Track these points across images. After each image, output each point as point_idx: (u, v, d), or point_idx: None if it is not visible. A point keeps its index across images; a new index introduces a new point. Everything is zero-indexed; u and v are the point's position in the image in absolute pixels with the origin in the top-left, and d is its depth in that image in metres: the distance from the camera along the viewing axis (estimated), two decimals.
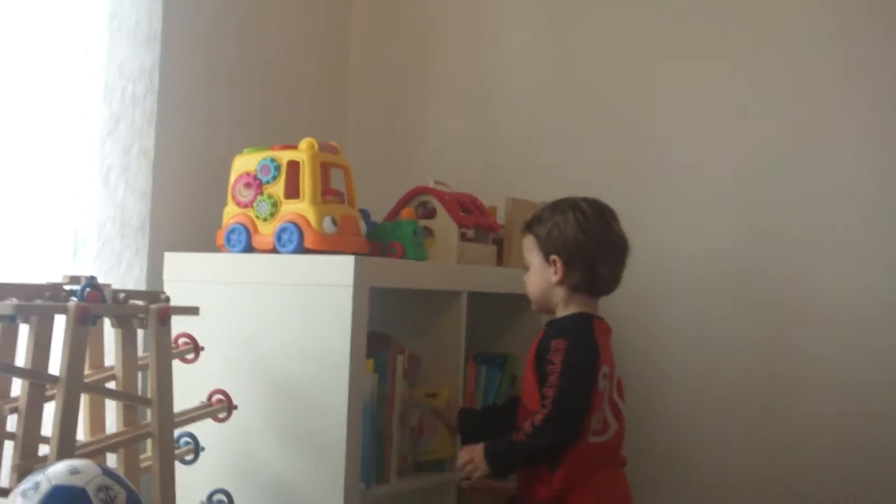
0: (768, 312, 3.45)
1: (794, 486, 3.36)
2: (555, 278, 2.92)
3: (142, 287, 3.10)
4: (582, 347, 2.83)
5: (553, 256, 2.91)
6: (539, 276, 2.95)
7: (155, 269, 3.13)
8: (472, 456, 2.82)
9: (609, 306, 3.04)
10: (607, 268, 2.92)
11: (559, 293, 2.94)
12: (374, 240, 3.13)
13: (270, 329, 2.93)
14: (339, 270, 2.84)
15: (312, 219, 2.91)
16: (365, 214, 3.13)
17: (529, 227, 2.98)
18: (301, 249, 2.92)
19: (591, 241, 2.89)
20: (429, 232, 3.29)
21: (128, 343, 2.60)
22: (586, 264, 2.90)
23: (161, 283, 3.08)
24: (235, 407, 2.83)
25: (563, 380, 2.76)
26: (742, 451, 3.46)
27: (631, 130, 3.65)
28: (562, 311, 2.95)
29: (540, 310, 3.02)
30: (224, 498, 2.83)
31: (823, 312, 3.37)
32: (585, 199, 2.95)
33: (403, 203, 3.35)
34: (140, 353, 2.69)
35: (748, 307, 3.47)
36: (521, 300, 3.39)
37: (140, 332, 2.64)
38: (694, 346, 3.52)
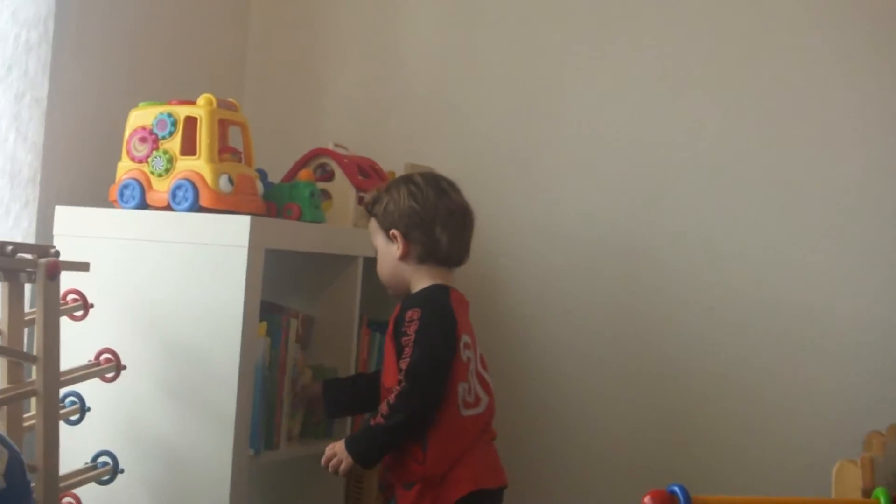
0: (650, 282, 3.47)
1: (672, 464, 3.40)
2: (398, 252, 2.89)
3: (31, 241, 3.02)
4: (436, 315, 2.81)
5: (392, 231, 2.89)
6: (385, 255, 2.93)
7: (45, 222, 3.05)
8: (334, 451, 2.78)
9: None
10: (448, 235, 2.88)
11: (408, 269, 2.91)
12: (271, 200, 3.09)
13: (162, 288, 2.88)
14: (235, 230, 2.80)
15: (208, 177, 2.86)
16: (262, 174, 3.09)
17: (369, 208, 2.96)
18: (196, 207, 2.87)
19: (425, 210, 2.87)
20: (326, 195, 3.25)
21: (14, 297, 2.54)
22: (425, 233, 2.87)
23: (51, 237, 3.01)
24: (124, 367, 2.78)
25: (417, 348, 2.74)
26: (615, 423, 3.49)
27: (533, 97, 3.64)
28: (416, 287, 2.91)
29: (395, 293, 2.96)
30: (109, 460, 2.78)
31: (697, 273, 3.42)
32: (421, 173, 2.97)
33: (301, 164, 3.31)
34: (27, 308, 2.63)
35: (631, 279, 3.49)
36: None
37: (28, 287, 2.58)
38: (575, 317, 3.54)
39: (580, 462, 3.52)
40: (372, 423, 2.76)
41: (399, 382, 2.73)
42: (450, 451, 2.77)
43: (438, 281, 2.89)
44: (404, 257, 2.88)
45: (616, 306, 3.50)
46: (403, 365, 2.73)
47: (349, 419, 3.21)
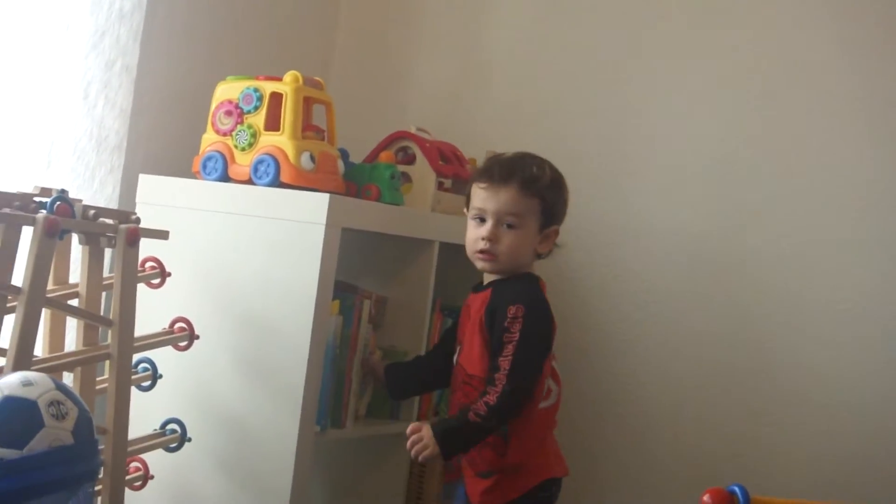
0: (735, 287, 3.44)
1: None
2: (542, 249, 2.83)
3: (113, 206, 3.06)
4: (541, 316, 2.76)
5: (554, 227, 2.83)
6: (528, 240, 2.80)
7: (128, 189, 3.09)
8: (421, 436, 2.69)
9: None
10: None
11: (530, 261, 2.85)
12: (351, 180, 3.10)
13: (239, 261, 2.90)
14: (313, 208, 2.82)
15: (291, 153, 2.88)
16: (344, 154, 3.10)
17: (531, 185, 2.79)
18: (277, 183, 2.89)
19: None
20: (406, 178, 3.26)
21: (94, 261, 2.57)
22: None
23: (133, 204, 3.05)
24: (197, 337, 2.81)
25: (520, 351, 2.68)
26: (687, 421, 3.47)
27: (620, 94, 3.61)
28: (515, 273, 2.84)
29: (497, 270, 2.84)
30: (177, 428, 2.81)
31: (791, 287, 3.37)
32: (546, 161, 2.89)
33: (383, 146, 3.32)
34: (106, 273, 2.66)
35: (716, 282, 3.46)
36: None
37: (108, 252, 2.61)
38: (656, 317, 3.52)
39: (642, 457, 3.51)
40: (469, 418, 2.66)
41: (495, 380, 2.66)
42: (528, 443, 2.76)
43: (531, 271, 2.87)
44: (541, 254, 2.85)
45: (695, 304, 3.47)
46: (505, 364, 2.67)
47: (416, 399, 3.21)
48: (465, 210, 2.91)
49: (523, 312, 2.71)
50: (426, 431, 2.68)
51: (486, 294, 2.82)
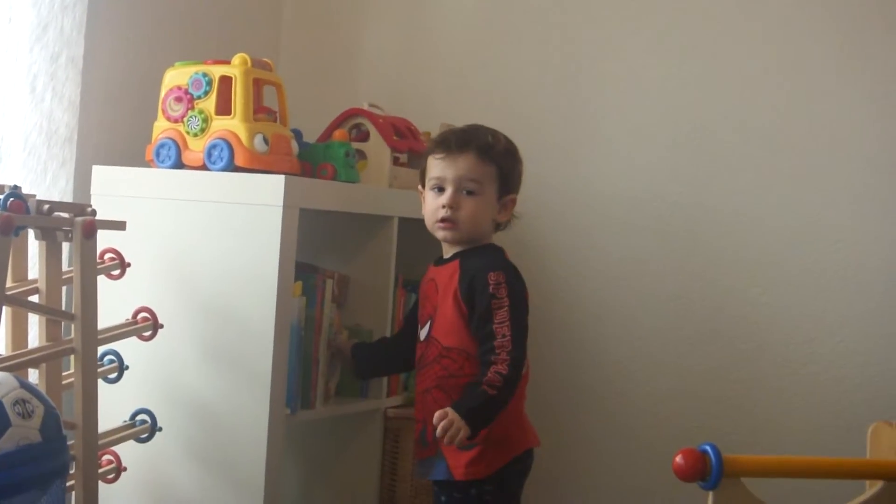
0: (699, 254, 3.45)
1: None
2: (501, 218, 2.85)
3: (68, 200, 3.03)
4: (519, 279, 2.78)
5: (512, 196, 2.84)
6: (488, 207, 2.81)
7: (82, 181, 3.06)
8: (451, 420, 2.60)
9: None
10: None
11: (490, 230, 2.86)
12: (306, 160, 3.08)
13: (198, 248, 2.89)
14: (269, 190, 2.81)
15: (243, 136, 2.87)
16: (297, 134, 3.09)
17: (487, 152, 2.81)
18: (231, 167, 2.87)
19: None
20: (361, 155, 3.25)
21: (52, 256, 2.55)
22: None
23: (88, 196, 3.02)
24: (161, 325, 2.80)
25: (514, 317, 2.69)
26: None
27: (571, 55, 3.61)
28: (478, 244, 2.84)
29: (458, 240, 2.82)
30: (147, 418, 2.81)
31: (743, 251, 3.39)
32: (499, 133, 2.89)
33: (336, 124, 3.31)
34: (65, 266, 2.64)
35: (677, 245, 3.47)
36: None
37: (65, 246, 2.59)
38: (615, 282, 3.53)
39: (613, 423, 3.52)
40: (490, 392, 2.63)
41: (497, 349, 2.66)
42: (511, 414, 2.75)
43: (493, 241, 2.88)
44: (500, 224, 2.86)
45: (654, 268, 3.48)
46: (504, 330, 2.67)
47: (384, 379, 3.21)
48: (419, 187, 2.92)
49: (505, 278, 2.72)
50: (453, 415, 2.60)
51: (453, 265, 2.81)
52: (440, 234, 2.84)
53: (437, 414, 2.62)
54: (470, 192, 2.78)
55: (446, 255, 2.87)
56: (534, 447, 2.85)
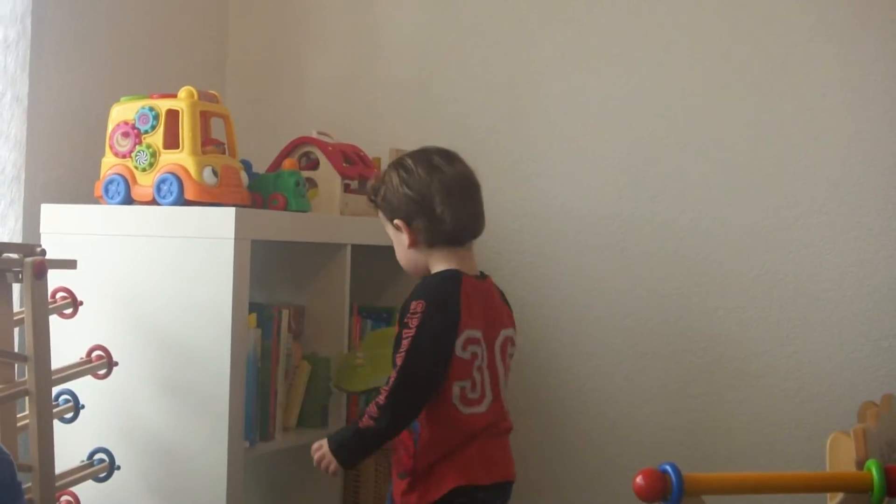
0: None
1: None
2: (407, 241, 2.75)
3: (17, 239, 3.01)
4: (439, 313, 2.66)
5: (396, 221, 2.75)
6: (398, 244, 2.80)
7: (31, 220, 3.04)
8: (322, 452, 2.65)
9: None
10: (450, 211, 2.72)
11: (421, 255, 2.77)
12: (256, 191, 3.08)
13: (151, 283, 2.87)
14: (220, 223, 2.80)
15: (192, 169, 2.86)
16: (246, 165, 3.08)
17: (372, 199, 2.83)
18: (181, 201, 2.86)
19: (419, 193, 2.74)
20: (311, 183, 3.25)
21: (2, 297, 2.54)
22: (426, 217, 2.73)
23: (38, 235, 3.00)
24: (116, 363, 2.78)
25: (413, 348, 2.61)
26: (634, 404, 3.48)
27: (516, 78, 3.62)
28: (435, 270, 2.76)
29: (419, 276, 2.79)
30: (105, 457, 2.78)
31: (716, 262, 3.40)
32: (411, 153, 2.82)
33: (286, 154, 3.31)
34: (16, 307, 2.62)
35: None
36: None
37: (16, 287, 2.57)
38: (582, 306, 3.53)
39: (572, 442, 3.52)
40: (360, 425, 2.62)
41: (388, 380, 2.62)
42: (440, 447, 2.67)
43: (453, 264, 2.75)
44: (414, 244, 2.75)
45: (607, 285, 3.49)
46: (399, 360, 2.61)
47: (344, 407, 3.21)
48: None
49: (422, 308, 2.64)
50: (325, 446, 2.66)
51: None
52: None
53: (313, 446, 2.69)
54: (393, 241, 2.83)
55: None
56: (480, 483, 2.70)
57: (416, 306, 2.65)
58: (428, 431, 2.67)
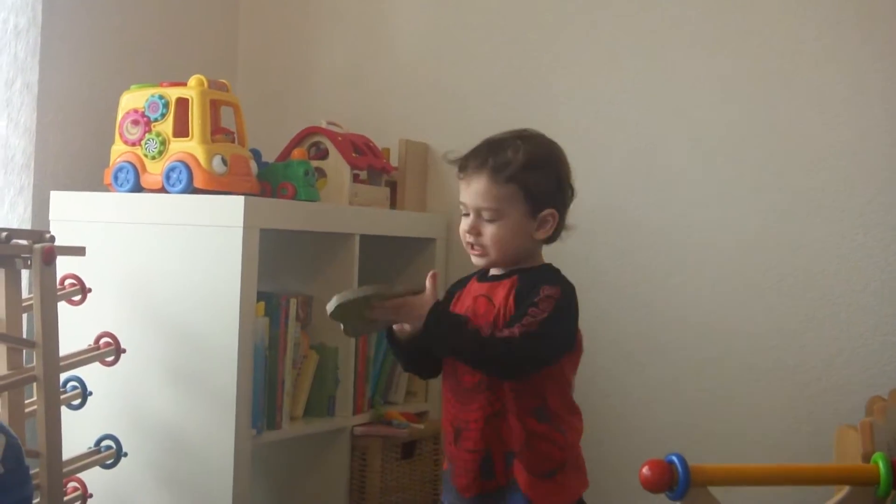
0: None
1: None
2: (542, 234, 2.50)
3: (27, 226, 3.02)
4: (574, 302, 2.49)
5: (549, 211, 2.49)
6: (514, 230, 2.47)
7: (40, 207, 3.05)
8: (410, 305, 2.39)
9: None
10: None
11: (535, 247, 2.53)
12: (265, 180, 3.08)
13: (159, 271, 2.88)
14: (229, 211, 2.80)
15: (202, 158, 2.86)
16: (256, 154, 3.08)
17: (502, 172, 2.48)
18: (190, 189, 2.87)
19: (571, 190, 2.56)
20: (321, 173, 3.25)
21: (11, 284, 2.53)
22: (566, 209, 2.55)
23: (47, 222, 3.01)
24: (124, 350, 2.78)
25: (550, 319, 2.38)
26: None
27: (526, 69, 3.61)
28: (529, 263, 2.53)
29: (493, 264, 2.52)
30: (112, 444, 2.79)
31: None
32: (540, 134, 2.59)
33: (295, 143, 3.30)
34: (24, 294, 2.63)
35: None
36: (414, 243, 3.39)
37: (25, 273, 2.58)
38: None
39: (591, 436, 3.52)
40: (483, 328, 2.38)
41: (518, 324, 2.37)
42: (578, 438, 2.53)
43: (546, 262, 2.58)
44: (543, 240, 2.52)
45: (614, 280, 3.48)
46: (537, 313, 2.38)
47: (350, 397, 3.22)
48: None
49: (558, 295, 2.43)
50: (420, 304, 2.38)
51: (510, 282, 2.50)
52: (474, 261, 2.55)
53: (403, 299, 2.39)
54: (490, 220, 2.48)
55: (499, 273, 2.55)
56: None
57: (552, 291, 2.43)
58: (570, 420, 2.51)
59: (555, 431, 2.47)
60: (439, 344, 2.42)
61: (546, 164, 2.52)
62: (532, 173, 2.48)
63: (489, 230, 2.48)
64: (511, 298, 2.46)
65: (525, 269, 2.52)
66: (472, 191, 2.49)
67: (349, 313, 2.39)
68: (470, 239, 2.50)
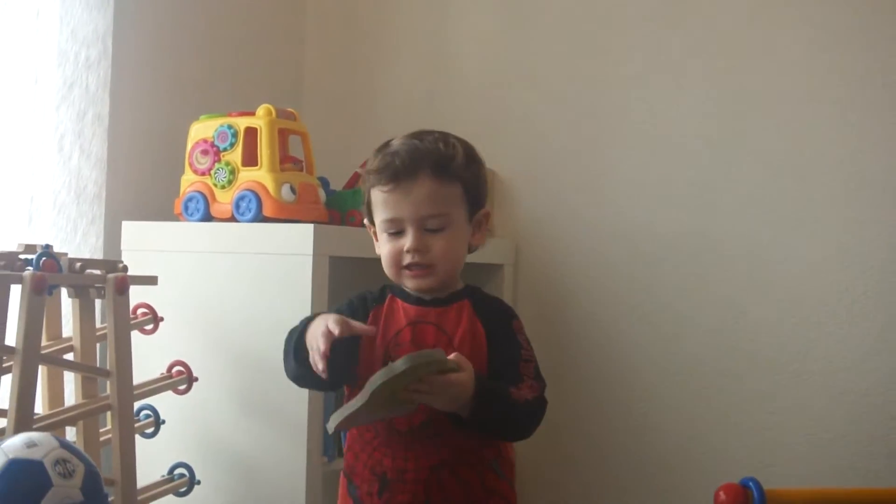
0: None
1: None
2: (478, 239, 2.25)
3: (99, 256, 3.05)
4: None
5: (484, 211, 2.25)
6: (461, 237, 2.22)
7: (112, 237, 3.08)
8: (459, 376, 2.02)
9: None
10: None
11: (462, 261, 2.25)
12: (334, 208, 3.10)
13: (230, 299, 2.89)
14: (298, 239, 2.81)
15: (271, 186, 2.88)
16: (324, 182, 3.10)
17: (446, 169, 2.18)
18: (260, 218, 2.88)
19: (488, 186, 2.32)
20: None
21: (85, 313, 2.56)
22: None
23: (119, 252, 3.04)
24: (196, 379, 2.80)
25: (535, 370, 2.17)
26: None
27: (591, 96, 3.60)
28: (455, 287, 2.27)
29: (437, 285, 2.22)
30: (185, 472, 2.80)
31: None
32: (452, 135, 2.29)
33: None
34: (98, 323, 2.65)
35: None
36: (482, 269, 3.37)
37: (98, 303, 2.60)
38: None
39: (645, 458, 3.49)
40: (513, 393, 2.10)
41: (522, 378, 2.14)
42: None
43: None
44: (475, 247, 2.27)
45: (681, 309, 3.46)
46: (535, 375, 2.16)
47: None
48: (365, 223, 2.33)
49: (521, 326, 2.24)
50: (468, 377, 2.04)
51: (459, 306, 2.23)
52: (411, 284, 2.22)
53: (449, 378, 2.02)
54: (436, 229, 2.18)
55: (428, 296, 2.25)
56: None
57: (518, 325, 2.23)
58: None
59: (511, 490, 2.25)
60: (482, 425, 2.11)
61: (475, 158, 2.27)
62: (472, 168, 2.23)
63: (438, 243, 2.17)
64: (467, 326, 2.20)
65: (476, 290, 2.28)
66: (411, 200, 2.15)
67: (380, 395, 1.98)
68: (413, 259, 2.17)
